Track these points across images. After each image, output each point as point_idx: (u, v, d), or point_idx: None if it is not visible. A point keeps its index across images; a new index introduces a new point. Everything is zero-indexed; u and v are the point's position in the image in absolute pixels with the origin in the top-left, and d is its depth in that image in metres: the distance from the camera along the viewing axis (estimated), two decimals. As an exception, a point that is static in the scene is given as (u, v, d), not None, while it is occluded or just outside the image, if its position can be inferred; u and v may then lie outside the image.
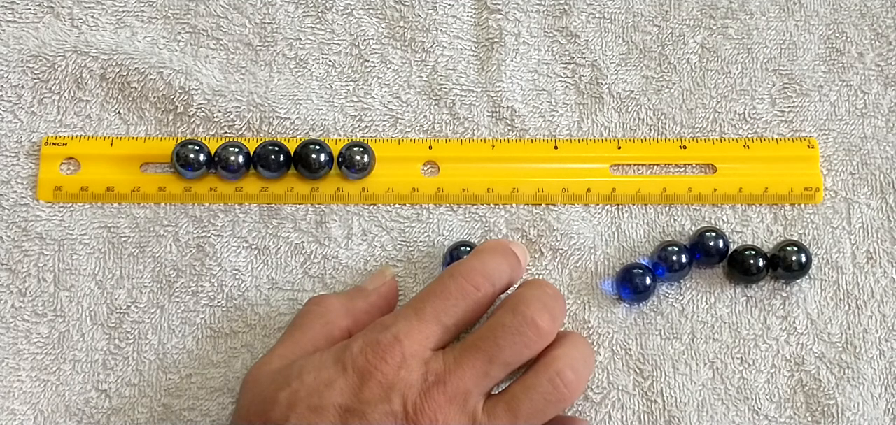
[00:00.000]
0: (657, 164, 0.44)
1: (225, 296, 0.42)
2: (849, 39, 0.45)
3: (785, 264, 0.42)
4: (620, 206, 0.43)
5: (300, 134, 0.44)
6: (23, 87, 0.43)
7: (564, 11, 0.45)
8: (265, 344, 0.42)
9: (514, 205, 0.43)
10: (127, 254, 0.42)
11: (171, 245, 0.42)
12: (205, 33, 0.44)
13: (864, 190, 0.44)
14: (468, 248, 0.41)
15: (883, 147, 0.44)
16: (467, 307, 0.37)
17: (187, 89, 0.43)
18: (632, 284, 0.42)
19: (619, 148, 0.44)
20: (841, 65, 0.45)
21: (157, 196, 0.43)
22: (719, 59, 0.45)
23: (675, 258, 0.42)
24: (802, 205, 0.44)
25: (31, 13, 0.44)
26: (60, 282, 0.42)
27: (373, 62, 0.44)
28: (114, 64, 0.43)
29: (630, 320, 0.42)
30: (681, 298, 0.42)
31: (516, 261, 0.39)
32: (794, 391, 0.42)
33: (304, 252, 0.42)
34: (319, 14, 0.45)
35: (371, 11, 0.45)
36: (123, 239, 0.42)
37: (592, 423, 0.41)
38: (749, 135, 0.44)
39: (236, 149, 0.42)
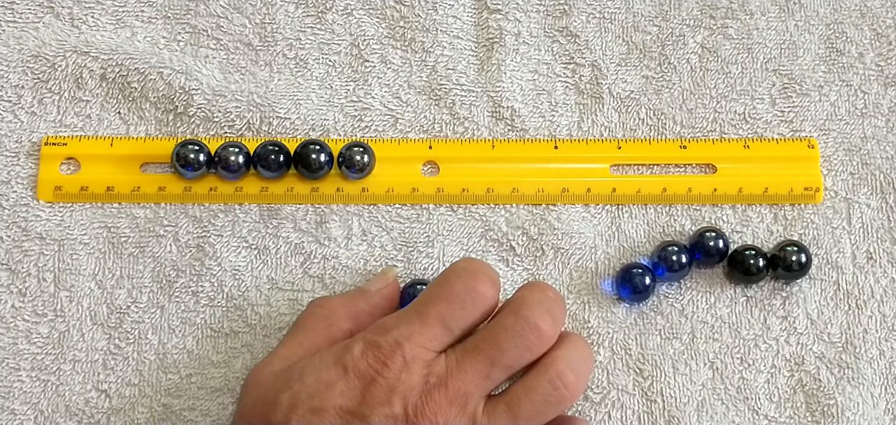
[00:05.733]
0: (657, 164, 0.44)
1: (225, 296, 0.42)
2: (849, 39, 0.45)
3: (785, 264, 0.42)
4: (620, 206, 0.43)
5: (300, 134, 0.44)
6: (23, 87, 0.43)
7: (564, 11, 0.45)
8: (265, 344, 0.42)
9: (514, 205, 0.43)
10: (127, 254, 0.42)
11: (171, 245, 0.42)
12: (205, 33, 0.44)
13: (864, 190, 0.44)
14: (423, 286, 0.40)
15: (883, 147, 0.44)
16: (475, 311, 0.36)
17: (187, 89, 0.43)
18: (632, 284, 0.42)
19: (619, 148, 0.44)
20: (841, 65, 0.45)
21: (157, 196, 0.43)
22: (719, 59, 0.45)
23: (675, 258, 0.42)
24: (802, 205, 0.44)
25: (31, 13, 0.44)
26: (60, 282, 0.42)
27: (373, 62, 0.44)
28: (114, 64, 0.43)
29: (630, 320, 0.42)
30: (681, 298, 0.42)
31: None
32: (794, 391, 0.42)
33: (304, 252, 0.42)
34: (319, 14, 0.45)
35: (371, 11, 0.45)
36: (123, 239, 0.42)
37: (592, 423, 0.41)
38: (749, 135, 0.44)
39: (236, 149, 0.42)
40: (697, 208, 0.43)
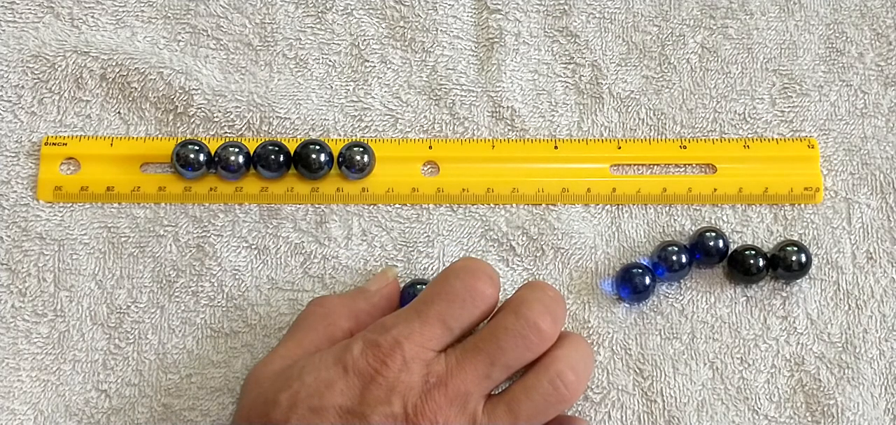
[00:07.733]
0: (657, 164, 0.44)
1: (225, 296, 0.42)
2: (849, 39, 0.45)
3: (785, 264, 0.42)
4: (620, 206, 0.43)
5: (300, 134, 0.44)
6: (23, 87, 0.43)
7: (564, 11, 0.45)
8: (265, 344, 0.42)
9: (514, 205, 0.43)
10: (127, 254, 0.42)
11: (171, 245, 0.42)
12: (205, 33, 0.44)
13: (864, 190, 0.44)
14: (423, 286, 0.40)
15: (883, 147, 0.44)
16: (475, 310, 0.36)
17: (187, 89, 0.43)
18: (631, 284, 0.42)
19: (619, 148, 0.44)
20: (841, 65, 0.45)
21: (157, 196, 0.43)
22: (719, 59, 0.45)
23: (675, 258, 0.42)
24: (802, 205, 0.44)
25: (31, 13, 0.44)
26: (60, 282, 0.42)
27: (373, 62, 0.44)
28: (114, 64, 0.43)
29: (630, 320, 0.42)
30: (681, 298, 0.42)
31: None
32: (794, 391, 0.42)
33: (304, 252, 0.42)
34: (319, 14, 0.45)
35: (371, 11, 0.45)
36: (123, 239, 0.42)
37: (592, 423, 0.41)
38: (749, 135, 0.44)
39: (236, 149, 0.42)
40: (697, 208, 0.43)
